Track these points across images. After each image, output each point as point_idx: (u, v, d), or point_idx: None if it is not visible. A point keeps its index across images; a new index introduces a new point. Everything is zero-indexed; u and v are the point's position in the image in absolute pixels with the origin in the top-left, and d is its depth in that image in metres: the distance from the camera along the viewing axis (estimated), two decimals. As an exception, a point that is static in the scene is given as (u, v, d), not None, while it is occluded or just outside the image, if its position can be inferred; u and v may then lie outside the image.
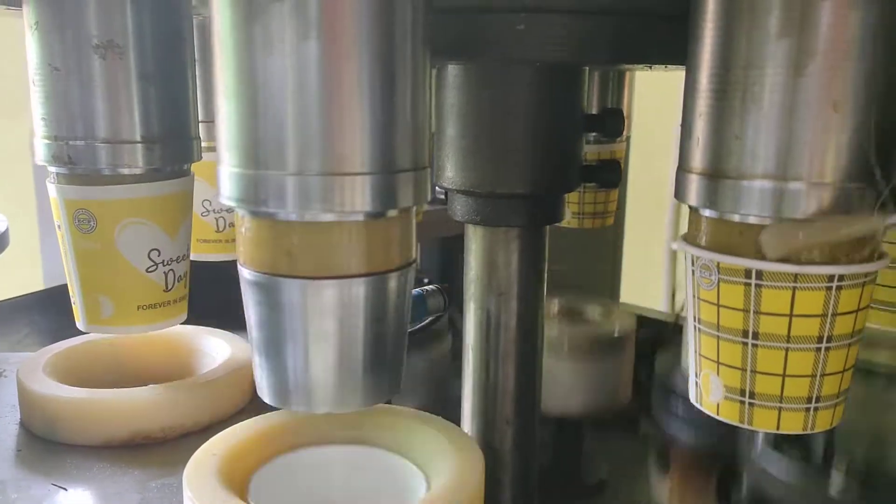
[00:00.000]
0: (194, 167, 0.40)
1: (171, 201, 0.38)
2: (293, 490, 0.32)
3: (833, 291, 0.27)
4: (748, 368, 0.29)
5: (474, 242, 0.46)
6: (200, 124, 0.42)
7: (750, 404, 0.29)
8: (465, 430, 0.45)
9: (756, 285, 0.27)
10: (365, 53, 0.25)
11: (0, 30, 0.57)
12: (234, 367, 0.42)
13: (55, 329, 0.65)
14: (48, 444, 0.38)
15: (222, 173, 0.27)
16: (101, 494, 0.34)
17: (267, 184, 0.26)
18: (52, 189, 0.37)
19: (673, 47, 0.32)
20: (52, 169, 0.37)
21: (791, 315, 0.28)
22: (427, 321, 0.48)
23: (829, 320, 0.27)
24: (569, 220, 0.65)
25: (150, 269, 0.37)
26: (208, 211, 0.47)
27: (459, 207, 0.45)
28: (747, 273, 0.27)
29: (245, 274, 0.28)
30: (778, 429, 0.29)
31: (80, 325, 0.39)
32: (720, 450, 0.56)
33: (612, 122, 0.46)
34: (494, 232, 0.45)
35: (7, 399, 0.42)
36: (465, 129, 0.43)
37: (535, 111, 0.41)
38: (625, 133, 0.67)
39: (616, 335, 0.65)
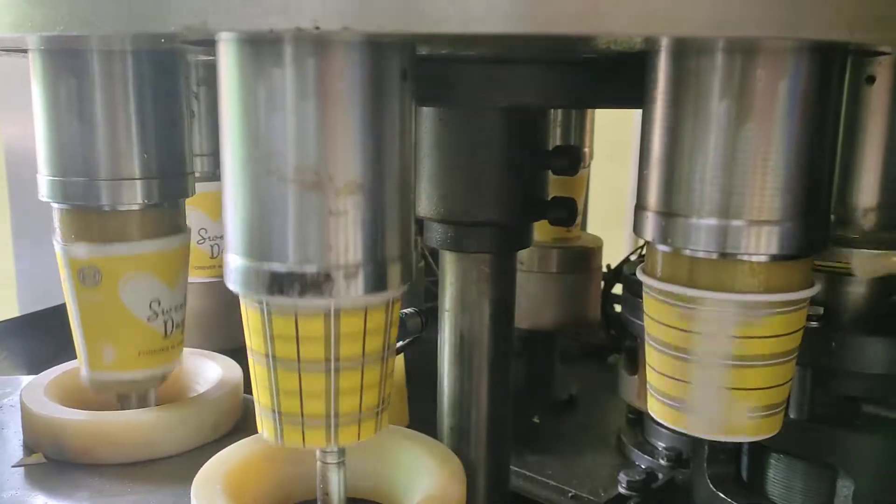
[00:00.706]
0: (191, 200, 0.43)
1: (172, 255, 0.41)
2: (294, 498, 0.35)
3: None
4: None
5: (448, 267, 0.50)
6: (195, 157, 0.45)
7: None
8: (442, 441, 0.49)
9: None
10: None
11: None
12: (227, 388, 0.44)
13: (33, 355, 0.67)
14: (54, 462, 0.41)
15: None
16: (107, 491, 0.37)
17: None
18: (57, 247, 0.40)
19: (628, 93, 0.36)
20: (56, 223, 0.40)
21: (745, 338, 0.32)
22: (407, 341, 0.51)
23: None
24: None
25: (150, 319, 0.40)
26: (204, 239, 0.50)
27: (434, 235, 0.49)
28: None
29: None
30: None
31: (83, 371, 0.41)
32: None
33: (572, 159, 0.50)
34: (467, 258, 0.49)
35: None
36: (439, 164, 0.46)
37: (503, 148, 0.45)
38: (588, 160, 0.71)
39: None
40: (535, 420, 0.69)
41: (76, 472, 0.40)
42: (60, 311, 0.68)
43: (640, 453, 0.62)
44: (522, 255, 0.69)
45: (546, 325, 0.71)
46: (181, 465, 0.41)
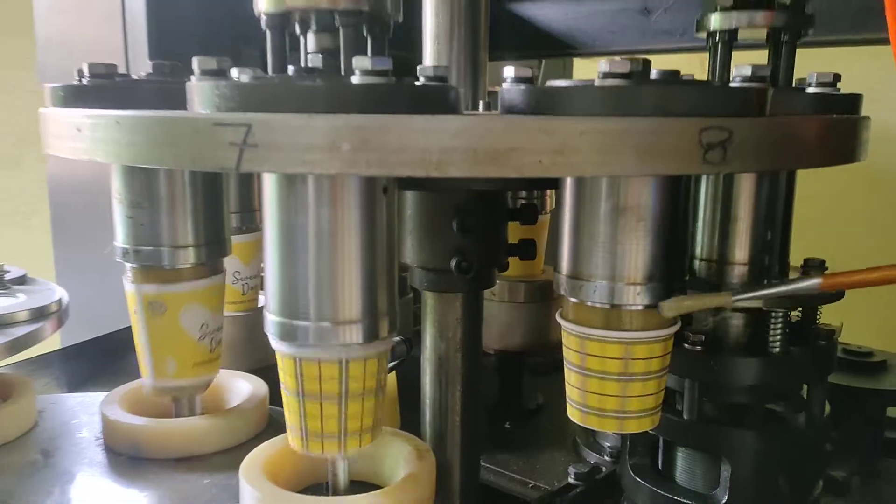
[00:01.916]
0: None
1: (215, 290, 0.55)
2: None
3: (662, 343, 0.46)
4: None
5: (429, 304, 0.64)
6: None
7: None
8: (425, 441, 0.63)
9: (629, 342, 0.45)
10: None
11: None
12: (257, 400, 0.59)
13: (72, 380, 0.80)
14: (131, 459, 0.55)
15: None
16: (172, 487, 0.51)
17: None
18: (131, 287, 0.54)
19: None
20: (129, 266, 0.54)
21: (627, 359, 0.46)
22: (395, 363, 0.65)
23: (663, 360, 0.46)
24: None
25: (201, 338, 0.55)
26: (237, 280, 0.64)
27: (417, 278, 0.63)
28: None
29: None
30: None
31: (148, 380, 0.55)
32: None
33: (529, 215, 0.64)
34: (443, 296, 0.63)
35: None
36: (420, 224, 0.60)
37: (470, 212, 0.59)
38: (549, 207, 0.86)
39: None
40: (507, 426, 0.84)
41: (147, 464, 0.54)
42: (95, 343, 0.82)
43: (590, 451, 0.77)
44: (495, 287, 0.84)
45: (515, 346, 0.85)
46: (222, 459, 0.55)
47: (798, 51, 0.56)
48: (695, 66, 0.60)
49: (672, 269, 0.46)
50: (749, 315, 0.56)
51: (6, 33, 1.31)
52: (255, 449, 0.49)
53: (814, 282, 0.43)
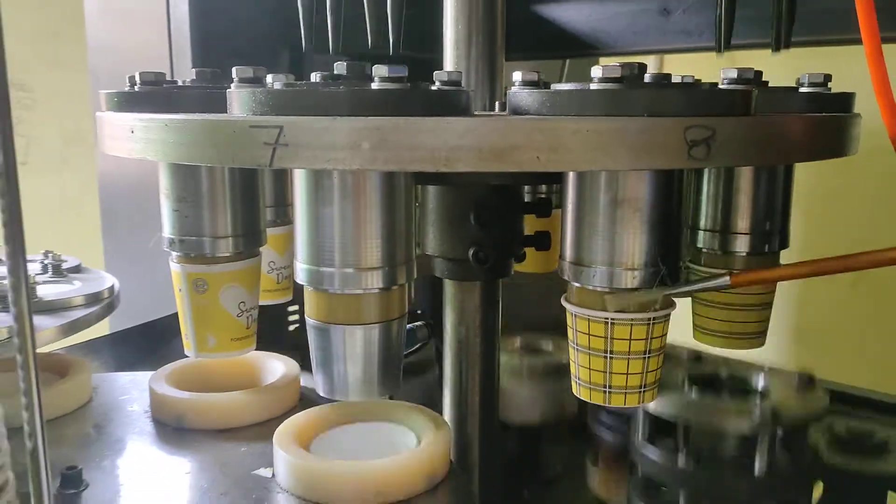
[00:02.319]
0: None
1: (252, 271, 0.60)
2: (338, 446, 0.54)
3: (645, 326, 0.50)
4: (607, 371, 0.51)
5: (449, 291, 0.69)
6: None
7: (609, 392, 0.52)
8: (447, 418, 0.68)
9: (610, 322, 0.50)
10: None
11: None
12: (289, 378, 0.64)
13: (120, 364, 0.86)
14: (176, 429, 0.61)
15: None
16: (213, 454, 0.57)
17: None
18: (175, 266, 0.60)
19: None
20: (174, 253, 0.60)
21: (631, 339, 0.50)
22: (416, 347, 0.70)
23: (648, 342, 0.50)
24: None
25: (238, 315, 0.60)
26: (272, 269, 0.69)
27: (439, 267, 0.68)
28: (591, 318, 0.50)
29: (310, 322, 0.51)
30: (625, 403, 0.52)
31: (191, 353, 0.61)
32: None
33: (544, 208, 0.69)
34: (463, 284, 0.68)
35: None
36: (441, 217, 0.65)
37: (488, 205, 0.64)
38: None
39: (564, 363, 0.88)
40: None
41: (190, 434, 0.60)
42: (142, 328, 0.89)
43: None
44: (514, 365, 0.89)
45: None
46: (258, 430, 0.61)
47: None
48: (714, 64, 0.63)
49: (666, 256, 0.50)
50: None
51: (56, 41, 1.39)
52: (287, 420, 0.55)
53: (723, 280, 0.48)
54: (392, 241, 0.49)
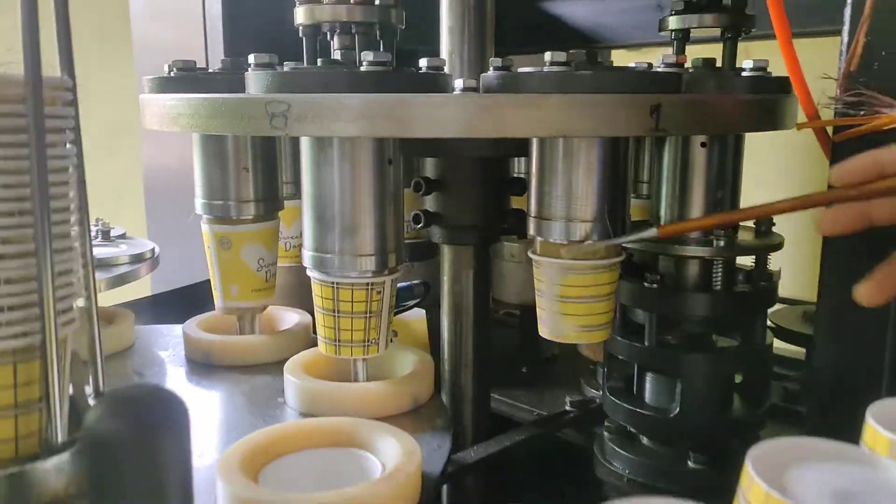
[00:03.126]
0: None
1: (270, 232, 0.71)
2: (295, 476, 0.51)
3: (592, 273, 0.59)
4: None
5: (445, 255, 0.79)
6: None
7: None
8: (443, 374, 0.78)
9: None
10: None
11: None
12: (303, 325, 0.75)
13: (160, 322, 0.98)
14: (204, 365, 0.72)
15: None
16: (233, 382, 0.68)
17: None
18: (205, 227, 0.71)
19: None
20: (205, 216, 0.71)
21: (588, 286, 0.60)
22: (415, 302, 0.81)
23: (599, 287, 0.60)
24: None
25: (258, 269, 0.71)
26: (280, 238, 0.80)
27: (437, 233, 0.78)
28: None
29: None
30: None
31: (218, 302, 0.72)
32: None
33: (518, 187, 0.78)
34: (458, 248, 0.78)
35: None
36: (441, 187, 0.75)
37: (480, 178, 0.74)
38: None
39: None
40: (524, 370, 0.98)
41: (217, 370, 0.71)
42: (179, 291, 1.00)
43: (590, 389, 0.91)
44: (513, 249, 0.98)
45: (532, 301, 0.99)
46: (275, 367, 0.72)
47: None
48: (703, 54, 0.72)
49: (614, 213, 0.59)
50: (698, 262, 0.69)
51: (105, 39, 1.52)
52: (295, 355, 0.66)
53: (651, 231, 0.57)
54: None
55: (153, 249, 0.83)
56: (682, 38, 0.70)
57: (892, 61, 0.49)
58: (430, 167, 0.77)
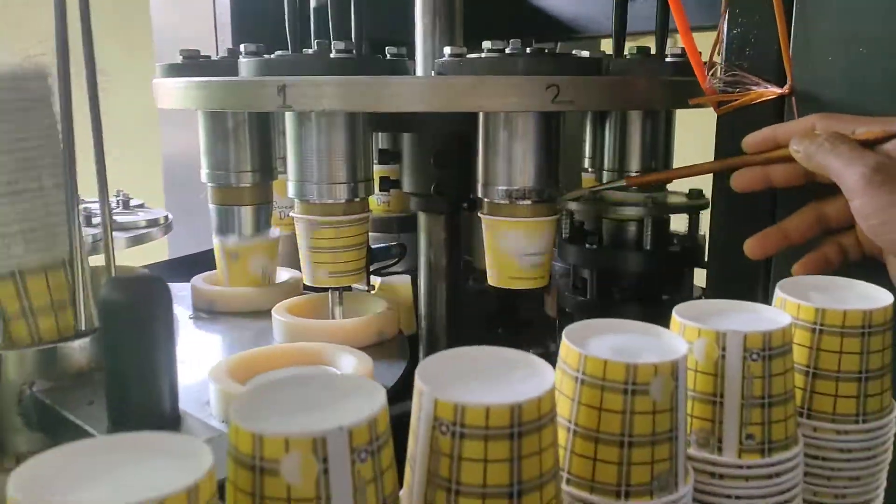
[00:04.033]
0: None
1: (272, 246, 0.85)
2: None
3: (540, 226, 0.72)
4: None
5: (421, 221, 0.92)
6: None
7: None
8: (420, 322, 0.91)
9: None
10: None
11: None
12: (293, 280, 0.88)
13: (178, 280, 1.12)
14: (209, 311, 0.85)
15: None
16: (231, 325, 0.81)
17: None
18: (216, 240, 0.84)
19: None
20: (209, 185, 0.84)
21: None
22: (393, 262, 0.93)
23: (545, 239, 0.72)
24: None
25: (262, 276, 0.84)
26: (275, 208, 0.92)
27: (413, 202, 0.90)
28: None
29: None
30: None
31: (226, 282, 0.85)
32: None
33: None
34: (431, 216, 0.91)
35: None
36: (414, 160, 0.88)
37: (450, 154, 0.86)
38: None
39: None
40: (500, 331, 1.10)
41: (220, 316, 0.84)
42: (192, 257, 1.13)
43: (554, 345, 1.03)
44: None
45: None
46: (268, 314, 0.85)
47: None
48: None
49: (547, 178, 0.71)
50: (634, 225, 0.81)
51: (126, 28, 1.66)
52: (281, 301, 0.79)
53: (618, 182, 0.69)
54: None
55: (167, 216, 0.96)
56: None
57: (759, 48, 0.60)
58: (404, 143, 0.89)
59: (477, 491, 0.33)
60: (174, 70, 0.79)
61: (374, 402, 0.31)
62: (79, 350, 0.47)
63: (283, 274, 0.91)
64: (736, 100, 0.61)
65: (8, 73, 0.46)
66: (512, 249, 0.73)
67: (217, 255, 0.86)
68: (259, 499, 0.29)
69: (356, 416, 0.30)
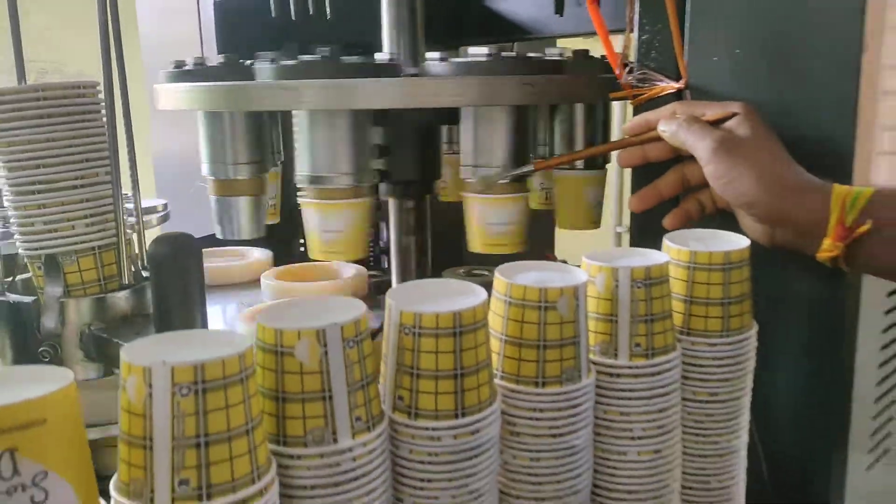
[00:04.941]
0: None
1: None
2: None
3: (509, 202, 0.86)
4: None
5: (392, 207, 1.06)
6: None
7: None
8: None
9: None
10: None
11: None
12: (359, 274, 1.03)
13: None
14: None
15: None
16: (224, 294, 0.95)
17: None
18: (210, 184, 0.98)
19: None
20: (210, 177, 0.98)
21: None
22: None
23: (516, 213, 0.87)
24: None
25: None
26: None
27: (383, 189, 1.05)
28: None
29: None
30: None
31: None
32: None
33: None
34: (401, 201, 1.05)
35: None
36: (384, 150, 1.02)
37: (416, 145, 1.00)
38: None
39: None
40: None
41: (215, 288, 0.99)
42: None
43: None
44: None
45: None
46: (247, 284, 0.99)
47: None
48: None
49: (516, 159, 0.86)
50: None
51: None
52: (268, 270, 0.93)
53: (529, 167, 0.84)
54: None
55: (165, 205, 1.10)
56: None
57: (662, 51, 0.76)
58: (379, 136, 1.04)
59: (431, 374, 0.48)
60: (175, 76, 0.93)
61: (358, 311, 0.46)
62: (123, 299, 0.61)
63: (349, 270, 1.05)
64: (645, 93, 0.76)
65: (70, 85, 0.60)
66: (481, 221, 0.88)
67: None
68: (280, 374, 0.44)
69: (346, 318, 0.45)
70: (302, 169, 0.87)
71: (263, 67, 0.84)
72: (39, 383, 0.36)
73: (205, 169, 0.98)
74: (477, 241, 0.90)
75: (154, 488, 0.38)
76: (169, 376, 0.38)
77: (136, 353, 0.39)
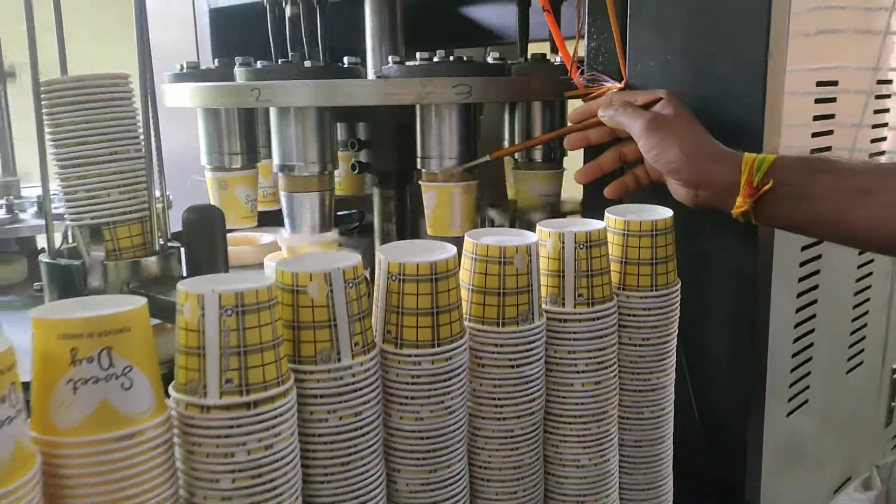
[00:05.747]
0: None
1: (253, 177, 1.12)
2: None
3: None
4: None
5: (375, 195, 1.20)
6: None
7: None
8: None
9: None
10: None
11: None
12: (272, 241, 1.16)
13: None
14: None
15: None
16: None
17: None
18: (208, 174, 1.11)
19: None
20: (208, 166, 1.11)
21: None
22: (354, 225, 1.21)
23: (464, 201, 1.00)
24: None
25: (246, 203, 1.11)
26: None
27: (368, 178, 1.19)
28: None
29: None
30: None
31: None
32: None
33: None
34: (384, 190, 1.19)
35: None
36: (369, 145, 1.16)
37: (395, 139, 1.14)
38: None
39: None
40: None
41: (217, 270, 1.12)
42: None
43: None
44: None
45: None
46: (256, 266, 1.12)
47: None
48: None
49: (467, 152, 1.00)
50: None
51: (112, 41, 1.91)
52: (271, 253, 1.06)
53: (485, 157, 0.98)
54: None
55: (168, 196, 1.22)
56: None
57: (607, 56, 0.90)
58: (361, 131, 1.17)
59: (413, 312, 0.62)
60: (179, 77, 1.07)
61: (356, 259, 0.60)
62: (153, 263, 0.74)
63: (266, 237, 1.19)
64: (593, 92, 0.91)
65: (105, 76, 0.74)
66: (447, 207, 1.02)
67: (209, 186, 1.12)
68: (296, 308, 0.57)
69: (346, 264, 0.58)
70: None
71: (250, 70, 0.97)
72: (120, 305, 0.49)
73: (203, 158, 1.11)
74: (439, 226, 1.03)
75: (206, 385, 0.52)
76: (217, 301, 0.51)
77: (191, 285, 0.52)
